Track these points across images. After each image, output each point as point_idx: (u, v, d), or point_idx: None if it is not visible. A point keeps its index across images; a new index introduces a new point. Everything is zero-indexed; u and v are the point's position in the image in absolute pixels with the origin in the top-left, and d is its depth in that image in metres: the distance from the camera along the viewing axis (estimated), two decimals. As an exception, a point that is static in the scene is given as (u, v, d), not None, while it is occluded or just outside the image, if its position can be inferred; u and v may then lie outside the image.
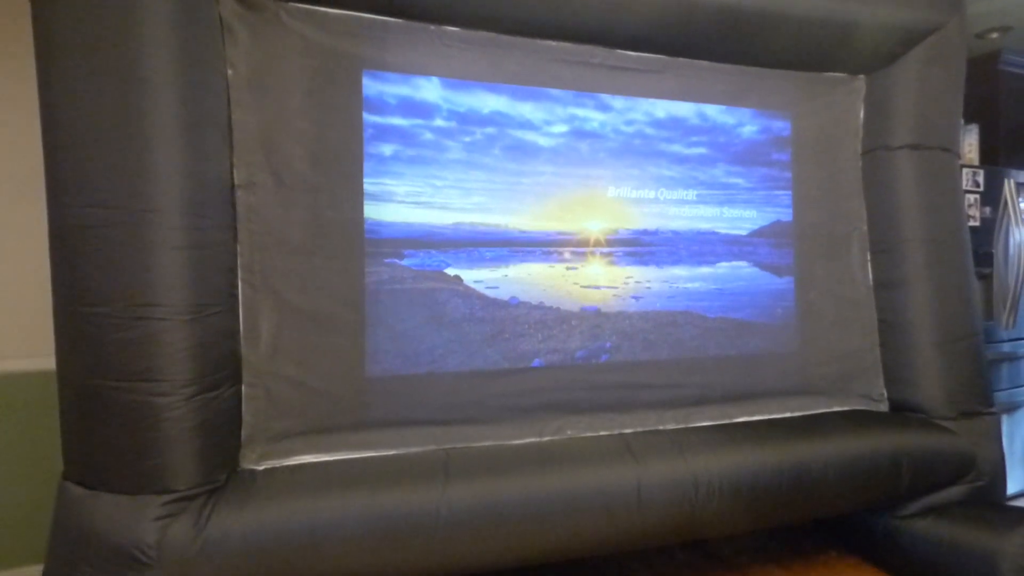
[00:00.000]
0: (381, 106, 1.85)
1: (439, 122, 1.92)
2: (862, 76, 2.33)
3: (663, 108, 2.18)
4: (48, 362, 1.51)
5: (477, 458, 1.75)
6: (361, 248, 1.82)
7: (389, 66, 1.85)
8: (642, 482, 1.76)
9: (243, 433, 1.65)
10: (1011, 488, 2.54)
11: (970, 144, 3.13)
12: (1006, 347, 2.98)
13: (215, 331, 1.53)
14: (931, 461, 2.07)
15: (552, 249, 2.05)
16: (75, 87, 1.41)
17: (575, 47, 2.02)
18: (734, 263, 2.27)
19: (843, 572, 2.18)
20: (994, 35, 3.15)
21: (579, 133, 2.08)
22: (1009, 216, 2.97)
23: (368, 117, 1.83)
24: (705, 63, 2.18)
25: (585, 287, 2.08)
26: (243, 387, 1.65)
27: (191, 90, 1.51)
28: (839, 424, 2.12)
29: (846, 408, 2.27)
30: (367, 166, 1.83)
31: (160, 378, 1.43)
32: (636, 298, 2.13)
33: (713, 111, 2.24)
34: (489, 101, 1.98)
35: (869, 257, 2.32)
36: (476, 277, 1.96)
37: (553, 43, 2.00)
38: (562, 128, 2.06)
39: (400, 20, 1.84)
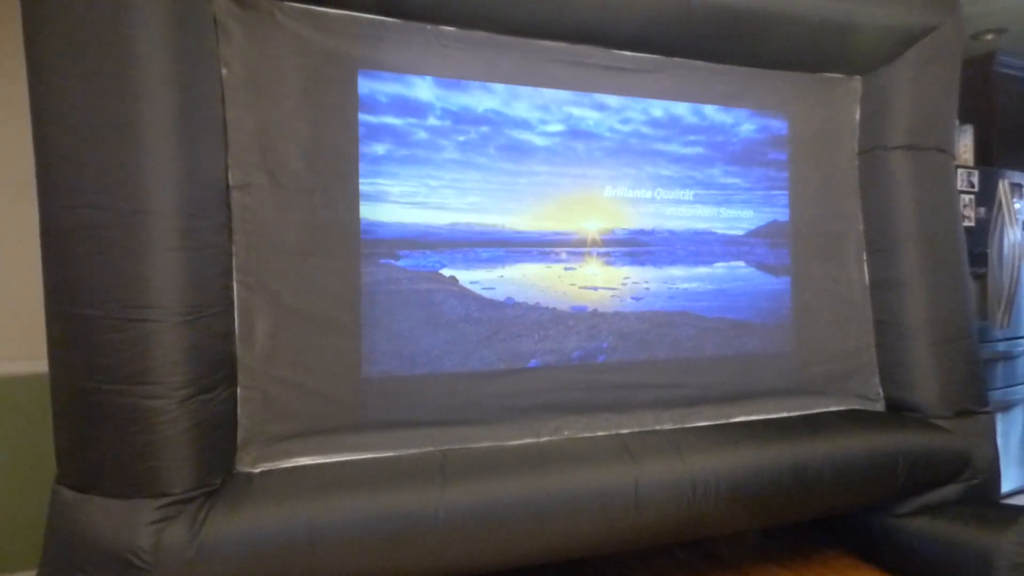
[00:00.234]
0: (377, 106, 1.85)
1: (434, 122, 1.91)
2: (858, 77, 2.34)
3: (660, 107, 2.17)
4: (42, 365, 1.49)
5: (474, 459, 1.75)
6: (357, 249, 1.81)
7: (385, 66, 1.85)
8: (640, 482, 1.76)
9: (239, 435, 1.63)
10: (1006, 486, 2.56)
11: (965, 145, 3.15)
12: (1001, 346, 3.00)
13: (210, 333, 1.52)
14: (927, 460, 2.08)
15: (548, 249, 2.04)
16: (67, 87, 1.40)
17: (571, 47, 2.02)
18: (731, 263, 2.27)
19: (840, 571, 2.19)
20: (989, 36, 3.16)
21: (575, 132, 2.07)
22: (1003, 216, 2.99)
23: (364, 117, 1.82)
24: (701, 63, 2.18)
25: (582, 287, 2.07)
26: (239, 389, 1.64)
27: (185, 90, 1.49)
28: (836, 424, 2.13)
29: (843, 408, 2.27)
30: (362, 166, 1.82)
31: (154, 380, 1.42)
32: (633, 298, 2.13)
33: (710, 110, 2.24)
34: (484, 100, 1.97)
35: (865, 257, 2.33)
36: (472, 278, 1.95)
37: (549, 43, 2.00)
38: (558, 127, 2.05)
39: (396, 20, 1.83)
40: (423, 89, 1.90)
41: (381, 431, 1.78)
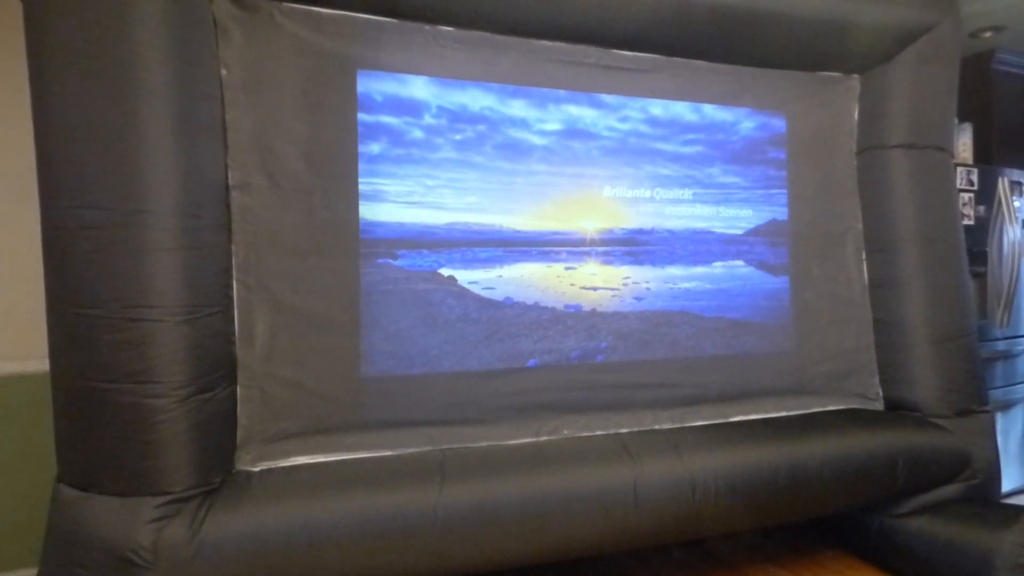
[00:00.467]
0: (376, 106, 1.85)
1: (432, 121, 1.92)
2: (856, 75, 2.34)
3: (659, 105, 2.17)
4: (43, 364, 1.50)
5: (473, 458, 1.75)
6: (356, 249, 1.81)
7: (384, 66, 1.85)
8: (639, 482, 1.76)
9: (238, 434, 1.64)
10: (1006, 486, 2.55)
11: (964, 143, 3.14)
12: (1000, 345, 3.00)
13: (210, 332, 1.53)
14: (926, 459, 2.08)
15: (548, 249, 2.04)
16: (68, 87, 1.40)
17: (570, 47, 2.02)
18: (730, 262, 2.27)
19: (839, 570, 2.19)
20: (988, 34, 3.16)
21: (573, 131, 2.07)
22: (1003, 215, 2.99)
23: (363, 117, 1.83)
24: (700, 63, 2.18)
25: (581, 287, 2.07)
26: (238, 388, 1.65)
27: (185, 91, 1.50)
28: (835, 423, 2.13)
29: (842, 407, 2.27)
30: (361, 166, 1.82)
31: (154, 380, 1.42)
32: (632, 298, 2.13)
33: (709, 108, 2.24)
34: (482, 100, 1.97)
35: (864, 256, 2.33)
36: (471, 278, 1.95)
37: (548, 43, 2.00)
38: (556, 126, 2.05)
39: (394, 20, 1.83)
40: (419, 87, 1.90)
41: (380, 430, 1.79)
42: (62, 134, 1.42)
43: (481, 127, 1.97)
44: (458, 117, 1.94)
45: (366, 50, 1.82)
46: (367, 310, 1.81)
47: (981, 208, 2.97)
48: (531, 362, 1.99)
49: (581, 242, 2.08)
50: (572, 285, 2.07)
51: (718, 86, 2.23)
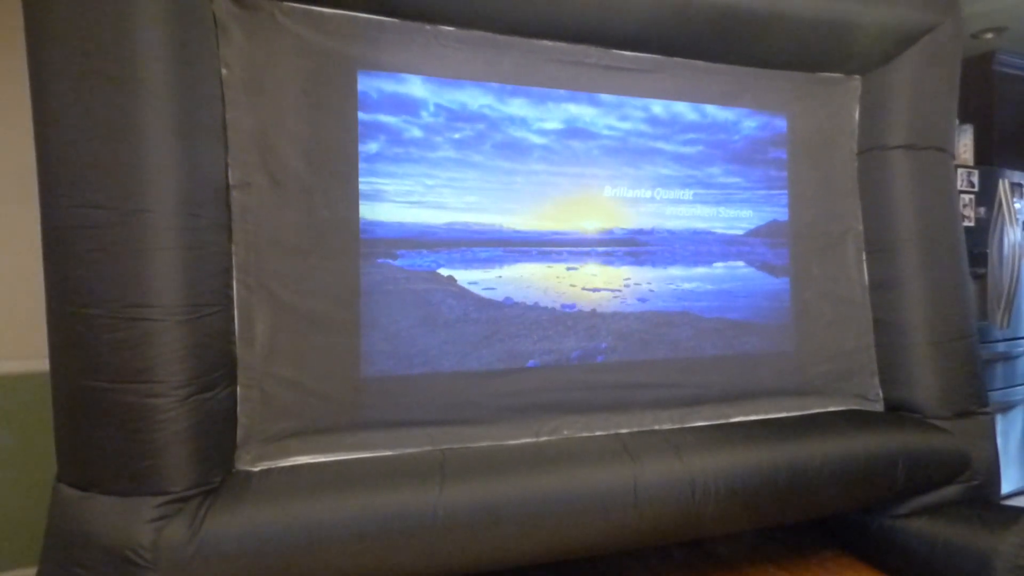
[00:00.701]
0: (376, 106, 1.85)
1: (432, 121, 1.92)
2: (857, 76, 2.33)
3: (659, 105, 2.17)
4: (43, 364, 1.50)
5: (473, 458, 1.75)
6: (356, 248, 1.81)
7: (385, 66, 1.85)
8: (639, 482, 1.76)
9: (238, 434, 1.64)
10: (1006, 487, 2.56)
11: (965, 144, 3.14)
12: (1000, 347, 3.00)
13: (210, 332, 1.53)
14: (926, 461, 2.08)
15: (548, 249, 2.04)
16: (67, 86, 1.40)
17: (570, 47, 2.02)
18: (730, 263, 2.27)
19: (838, 572, 2.19)
20: (989, 35, 3.16)
21: (573, 131, 2.07)
22: (1003, 216, 2.99)
23: (363, 116, 1.83)
24: (700, 63, 2.18)
25: (581, 288, 2.07)
26: (238, 388, 1.65)
27: (185, 90, 1.50)
28: (835, 424, 2.13)
29: (842, 408, 2.27)
30: (361, 166, 1.82)
31: (154, 379, 1.42)
32: (635, 299, 2.13)
33: (710, 108, 2.24)
34: (481, 98, 1.97)
35: (864, 257, 2.33)
36: (471, 278, 1.95)
37: (548, 43, 2.00)
38: (555, 125, 2.05)
39: (395, 20, 1.83)
40: (417, 85, 1.90)
41: (380, 430, 1.79)
42: (62, 134, 1.41)
43: (480, 126, 1.97)
44: (457, 115, 1.94)
45: (367, 50, 1.82)
46: (367, 310, 1.81)
47: (982, 209, 2.97)
48: (531, 362, 1.99)
49: (581, 242, 2.08)
50: (573, 286, 2.06)
51: (718, 86, 2.23)
